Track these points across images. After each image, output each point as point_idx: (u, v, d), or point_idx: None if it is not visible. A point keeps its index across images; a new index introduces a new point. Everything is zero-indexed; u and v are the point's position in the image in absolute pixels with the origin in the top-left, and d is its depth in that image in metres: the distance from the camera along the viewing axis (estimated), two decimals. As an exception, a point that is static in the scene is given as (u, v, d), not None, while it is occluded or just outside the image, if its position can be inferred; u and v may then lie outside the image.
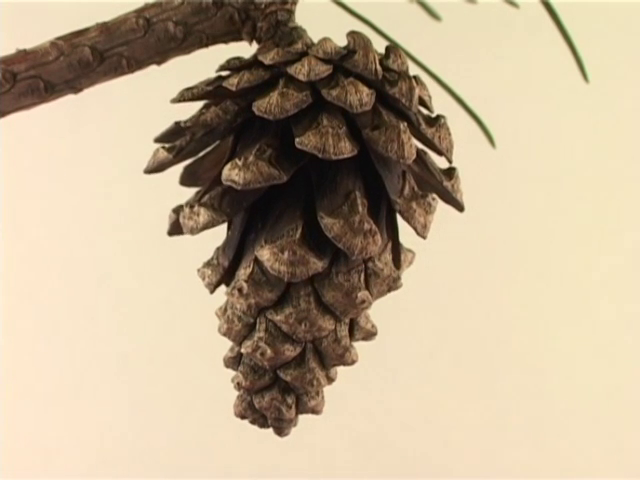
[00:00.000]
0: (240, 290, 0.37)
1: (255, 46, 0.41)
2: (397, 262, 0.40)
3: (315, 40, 0.39)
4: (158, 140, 0.39)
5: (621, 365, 0.98)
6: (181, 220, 0.38)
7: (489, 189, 0.93)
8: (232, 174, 0.36)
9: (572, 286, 0.98)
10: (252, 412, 0.39)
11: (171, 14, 0.40)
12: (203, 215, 0.37)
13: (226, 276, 0.39)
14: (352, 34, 0.38)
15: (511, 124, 0.92)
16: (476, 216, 0.81)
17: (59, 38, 0.40)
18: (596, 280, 0.98)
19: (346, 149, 0.35)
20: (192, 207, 0.38)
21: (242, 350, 0.38)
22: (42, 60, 0.40)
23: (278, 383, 0.39)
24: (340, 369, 0.40)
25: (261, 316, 0.38)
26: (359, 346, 0.40)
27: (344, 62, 0.37)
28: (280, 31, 0.40)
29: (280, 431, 0.40)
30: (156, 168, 0.40)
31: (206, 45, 0.41)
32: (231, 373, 0.40)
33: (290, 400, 0.39)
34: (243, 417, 0.40)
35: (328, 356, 0.39)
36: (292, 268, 0.36)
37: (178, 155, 0.39)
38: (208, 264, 0.40)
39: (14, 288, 0.97)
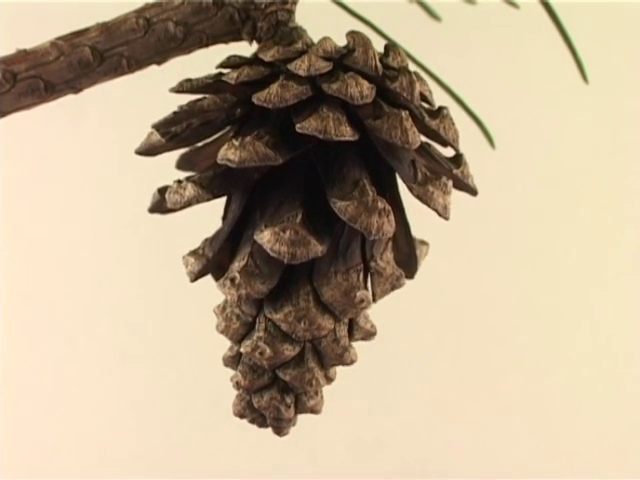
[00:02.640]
0: (232, 280, 0.37)
1: (255, 46, 0.41)
2: (413, 257, 0.40)
3: (315, 40, 0.40)
4: (155, 127, 0.39)
5: (622, 365, 0.98)
6: (167, 195, 0.38)
7: (488, 189, 0.93)
8: (228, 153, 0.36)
9: (572, 286, 0.98)
10: (251, 411, 0.39)
11: (171, 14, 0.40)
12: (189, 190, 0.37)
13: (209, 267, 0.39)
14: (352, 34, 0.38)
15: (511, 125, 0.92)
16: (476, 216, 0.81)
17: (59, 38, 0.40)
18: (597, 279, 0.98)
19: (347, 132, 0.35)
20: (180, 182, 0.38)
21: (241, 349, 0.38)
22: (42, 60, 0.40)
23: (277, 383, 0.39)
24: (339, 369, 0.40)
25: (260, 315, 0.38)
26: (359, 346, 0.40)
27: (344, 59, 0.37)
28: (280, 31, 0.40)
29: (279, 431, 0.40)
30: (147, 150, 0.40)
31: (206, 45, 0.41)
32: (230, 372, 0.40)
33: (289, 400, 0.39)
34: (242, 416, 0.40)
35: (327, 356, 0.39)
36: (293, 248, 0.35)
37: (172, 140, 0.39)
38: (193, 253, 0.40)
39: (14, 288, 0.97)
